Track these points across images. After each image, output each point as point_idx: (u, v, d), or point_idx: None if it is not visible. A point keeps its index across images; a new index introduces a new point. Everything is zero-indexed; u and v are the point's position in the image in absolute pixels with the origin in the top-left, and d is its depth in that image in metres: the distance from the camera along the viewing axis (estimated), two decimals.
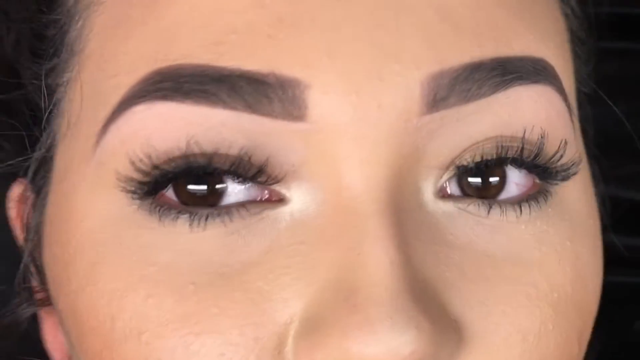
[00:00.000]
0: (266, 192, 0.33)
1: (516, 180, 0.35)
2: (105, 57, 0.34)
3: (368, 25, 0.31)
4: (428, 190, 0.33)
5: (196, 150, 0.32)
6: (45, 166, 0.38)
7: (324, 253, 0.31)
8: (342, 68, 0.31)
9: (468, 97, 0.32)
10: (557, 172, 0.35)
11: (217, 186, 0.32)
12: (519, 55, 0.34)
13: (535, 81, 0.34)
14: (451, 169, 0.33)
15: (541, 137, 0.34)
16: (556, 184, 0.35)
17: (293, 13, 0.31)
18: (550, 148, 0.34)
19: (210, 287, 0.32)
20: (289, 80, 0.31)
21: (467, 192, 0.34)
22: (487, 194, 0.34)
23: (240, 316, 0.31)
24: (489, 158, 0.33)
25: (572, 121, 0.36)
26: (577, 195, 0.36)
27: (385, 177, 0.32)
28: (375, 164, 0.31)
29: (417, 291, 0.30)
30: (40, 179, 0.39)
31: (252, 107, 0.31)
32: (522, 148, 0.33)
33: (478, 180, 0.34)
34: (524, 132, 0.33)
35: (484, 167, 0.34)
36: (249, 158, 0.32)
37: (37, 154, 0.39)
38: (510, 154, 0.33)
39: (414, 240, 0.32)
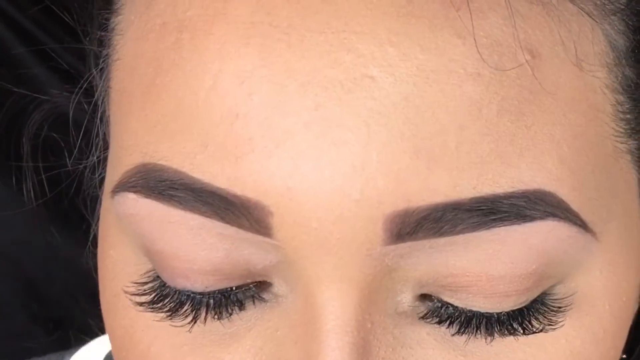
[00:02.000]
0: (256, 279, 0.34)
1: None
2: (118, 116, 0.36)
3: (332, 157, 0.31)
4: (406, 292, 0.33)
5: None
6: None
7: (290, 350, 0.33)
8: (302, 201, 0.31)
9: (440, 233, 0.31)
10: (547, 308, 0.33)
11: None
12: (507, 193, 0.31)
13: (528, 218, 0.31)
14: (430, 288, 0.33)
15: (521, 278, 0.32)
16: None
17: (263, 133, 0.31)
18: (535, 293, 0.33)
19: (201, 351, 0.34)
20: (254, 203, 0.31)
21: None
22: None
23: None
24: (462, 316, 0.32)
25: (588, 230, 0.33)
26: (591, 285, 0.34)
27: (350, 294, 0.32)
28: (337, 284, 0.32)
29: None
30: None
31: (223, 218, 0.32)
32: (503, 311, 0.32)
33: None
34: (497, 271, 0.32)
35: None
36: (223, 258, 0.33)
37: (90, 160, 0.42)
38: (493, 311, 0.32)
39: (379, 349, 0.32)
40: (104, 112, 0.40)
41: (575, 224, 0.32)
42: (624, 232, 0.35)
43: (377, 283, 0.32)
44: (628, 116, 0.35)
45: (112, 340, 0.37)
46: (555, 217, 0.32)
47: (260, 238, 0.32)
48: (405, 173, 0.30)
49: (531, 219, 0.31)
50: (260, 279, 0.33)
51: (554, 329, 0.33)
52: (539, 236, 0.32)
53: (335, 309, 0.31)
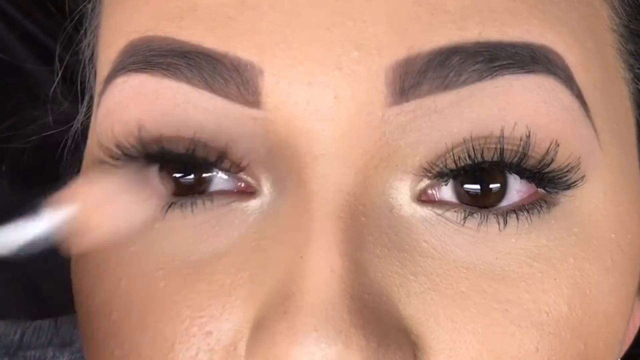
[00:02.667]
0: (241, 184, 0.32)
1: (517, 187, 0.32)
2: (103, 32, 0.35)
3: (332, 11, 0.30)
4: (403, 193, 0.31)
5: (163, 131, 0.32)
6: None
7: (278, 252, 0.30)
8: (297, 55, 0.29)
9: (445, 84, 0.30)
10: (551, 179, 0.32)
11: (204, 175, 0.32)
12: (512, 41, 0.30)
13: (532, 70, 0.30)
14: (432, 173, 0.31)
15: (526, 136, 0.30)
16: (557, 193, 0.32)
17: None
18: (539, 150, 0.31)
19: (177, 275, 0.32)
20: (244, 63, 0.30)
21: (463, 200, 0.32)
22: (486, 202, 0.32)
23: (198, 308, 0.31)
24: (469, 163, 0.31)
25: (590, 118, 0.32)
26: (595, 206, 0.33)
27: (344, 175, 0.30)
28: (332, 160, 0.30)
29: (357, 303, 0.29)
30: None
31: (211, 86, 0.30)
32: (503, 149, 0.30)
33: (476, 187, 0.32)
34: (502, 131, 0.30)
35: (479, 172, 0.31)
36: (207, 142, 0.31)
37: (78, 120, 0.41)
38: (488, 157, 0.30)
39: (374, 246, 0.30)
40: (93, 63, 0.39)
41: (577, 97, 0.31)
42: (624, 159, 0.34)
43: (373, 168, 0.30)
44: (624, 41, 0.35)
45: (77, 296, 0.34)
46: (558, 77, 0.31)
47: (248, 112, 0.30)
48: (407, 20, 0.30)
49: (535, 71, 0.30)
50: (245, 182, 0.31)
51: (560, 240, 0.32)
52: (542, 92, 0.30)
53: (329, 193, 0.30)
